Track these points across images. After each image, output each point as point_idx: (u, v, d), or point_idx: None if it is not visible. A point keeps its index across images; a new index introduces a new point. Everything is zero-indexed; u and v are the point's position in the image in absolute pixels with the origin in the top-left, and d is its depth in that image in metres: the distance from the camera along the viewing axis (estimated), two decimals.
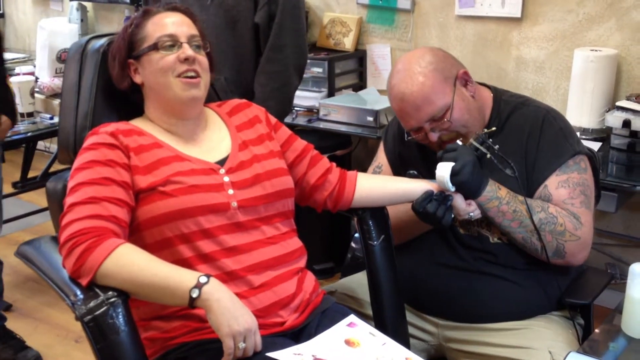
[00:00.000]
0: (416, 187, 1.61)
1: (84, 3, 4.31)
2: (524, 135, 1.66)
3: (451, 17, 3.11)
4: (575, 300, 1.67)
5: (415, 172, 1.69)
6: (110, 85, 1.56)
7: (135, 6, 3.93)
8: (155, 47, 1.47)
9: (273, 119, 1.68)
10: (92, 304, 1.26)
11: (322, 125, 3.04)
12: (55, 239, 1.42)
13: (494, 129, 1.66)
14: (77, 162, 1.43)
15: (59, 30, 3.41)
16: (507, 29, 2.97)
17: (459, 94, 1.63)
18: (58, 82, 3.16)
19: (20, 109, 2.84)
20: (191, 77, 1.47)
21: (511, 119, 1.70)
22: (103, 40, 1.60)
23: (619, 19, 2.68)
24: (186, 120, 1.52)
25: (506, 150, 1.62)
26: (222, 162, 1.51)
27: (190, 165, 1.46)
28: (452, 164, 1.55)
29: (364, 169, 1.85)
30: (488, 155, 1.61)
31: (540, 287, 1.65)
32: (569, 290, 1.69)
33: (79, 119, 1.58)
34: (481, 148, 1.61)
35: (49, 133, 2.97)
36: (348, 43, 3.39)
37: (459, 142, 1.61)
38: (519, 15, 2.90)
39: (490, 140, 1.62)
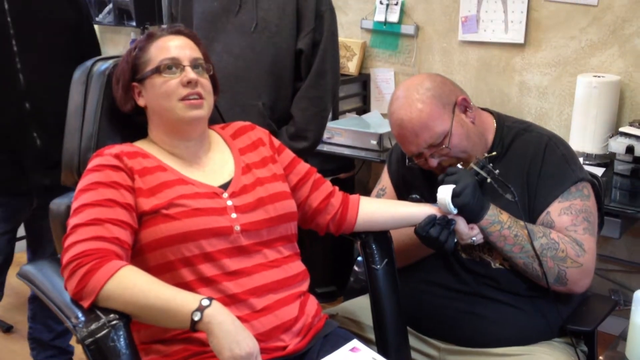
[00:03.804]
0: (419, 211, 1.61)
1: None
2: (526, 161, 1.66)
3: (454, 42, 3.13)
4: (577, 327, 1.66)
5: (418, 197, 1.69)
6: (115, 107, 1.57)
7: (142, 29, 3.96)
8: (157, 70, 1.48)
9: (277, 142, 1.69)
10: (93, 326, 1.25)
11: (325, 148, 3.05)
12: (57, 260, 1.42)
13: (494, 153, 1.66)
14: (81, 183, 1.43)
15: None
16: (510, 54, 2.98)
17: (458, 120, 1.64)
18: None
19: None
20: (194, 99, 1.48)
21: (514, 145, 1.70)
22: (109, 63, 1.61)
23: (621, 46, 2.70)
24: (189, 141, 1.53)
25: (508, 176, 1.62)
26: (225, 186, 1.51)
27: (193, 188, 1.46)
28: (453, 186, 1.55)
29: (367, 192, 1.85)
30: (488, 180, 1.61)
31: (541, 314, 1.64)
32: (572, 317, 1.68)
33: (83, 140, 1.59)
34: (481, 172, 1.61)
35: None
36: (352, 67, 3.41)
37: (460, 166, 1.61)
38: (522, 41, 2.92)
39: (491, 165, 1.62)
